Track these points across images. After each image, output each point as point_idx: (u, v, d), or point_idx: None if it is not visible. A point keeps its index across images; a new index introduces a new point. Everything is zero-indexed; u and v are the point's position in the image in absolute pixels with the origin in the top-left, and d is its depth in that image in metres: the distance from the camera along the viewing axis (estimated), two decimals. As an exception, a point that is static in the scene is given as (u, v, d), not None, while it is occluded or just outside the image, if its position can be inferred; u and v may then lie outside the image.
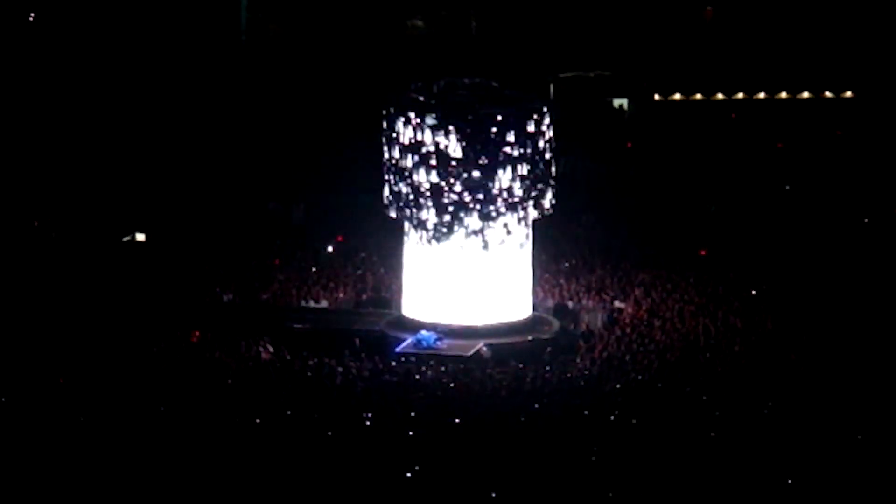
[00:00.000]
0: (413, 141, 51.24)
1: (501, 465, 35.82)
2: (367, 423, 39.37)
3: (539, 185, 52.14)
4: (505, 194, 51.20)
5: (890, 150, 74.81)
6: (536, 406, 41.12)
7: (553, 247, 59.36)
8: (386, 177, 52.60)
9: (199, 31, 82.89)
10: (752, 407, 40.40)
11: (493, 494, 34.09)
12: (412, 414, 39.94)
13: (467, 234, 51.46)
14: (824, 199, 69.43)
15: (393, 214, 52.94)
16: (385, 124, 52.33)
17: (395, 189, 52.09)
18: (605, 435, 38.23)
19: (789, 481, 34.71)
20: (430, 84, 52.91)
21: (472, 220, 51.22)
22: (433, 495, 34.47)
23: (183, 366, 45.64)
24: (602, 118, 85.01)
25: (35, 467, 35.81)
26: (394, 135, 51.82)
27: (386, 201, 52.87)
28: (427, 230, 51.75)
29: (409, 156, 51.38)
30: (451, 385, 44.01)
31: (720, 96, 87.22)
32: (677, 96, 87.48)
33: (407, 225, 52.80)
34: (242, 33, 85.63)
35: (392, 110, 51.98)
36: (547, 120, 52.29)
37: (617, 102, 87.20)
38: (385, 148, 52.42)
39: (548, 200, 52.61)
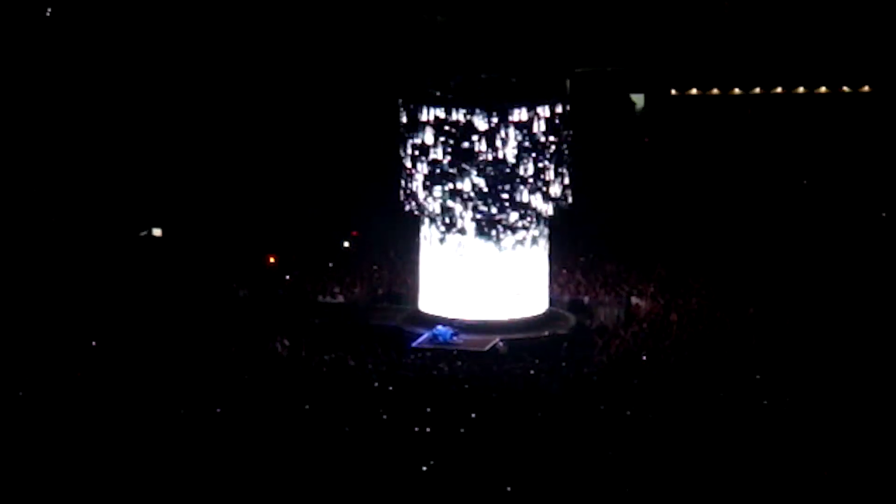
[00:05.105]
0: (430, 135, 51.23)
1: (517, 459, 35.87)
2: (384, 417, 39.43)
3: (556, 180, 52.08)
4: (522, 188, 51.19)
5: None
6: (552, 401, 41.13)
7: (569, 242, 59.29)
8: (402, 171, 52.59)
9: (215, 28, 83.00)
10: (767, 402, 40.35)
11: (509, 489, 34.15)
12: (428, 409, 39.98)
13: (483, 229, 51.46)
14: (842, 192, 69.37)
15: (409, 209, 52.91)
16: (402, 118, 52.30)
17: (412, 184, 52.08)
18: (622, 430, 38.24)
19: (800, 476, 34.71)
20: (448, 78, 52.95)
21: (490, 215, 51.23)
22: (449, 489, 34.52)
23: (200, 359, 45.76)
24: (619, 113, 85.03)
25: (51, 460, 35.99)
26: (411, 129, 51.82)
27: (402, 196, 52.83)
28: (444, 225, 51.78)
29: (426, 150, 51.40)
30: (467, 381, 44.06)
31: (737, 91, 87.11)
32: (694, 91, 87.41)
33: (423, 220, 52.80)
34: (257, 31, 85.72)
35: (410, 104, 51.97)
36: (564, 115, 52.27)
37: (634, 97, 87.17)
38: (402, 142, 52.40)
39: (564, 195, 52.53)
